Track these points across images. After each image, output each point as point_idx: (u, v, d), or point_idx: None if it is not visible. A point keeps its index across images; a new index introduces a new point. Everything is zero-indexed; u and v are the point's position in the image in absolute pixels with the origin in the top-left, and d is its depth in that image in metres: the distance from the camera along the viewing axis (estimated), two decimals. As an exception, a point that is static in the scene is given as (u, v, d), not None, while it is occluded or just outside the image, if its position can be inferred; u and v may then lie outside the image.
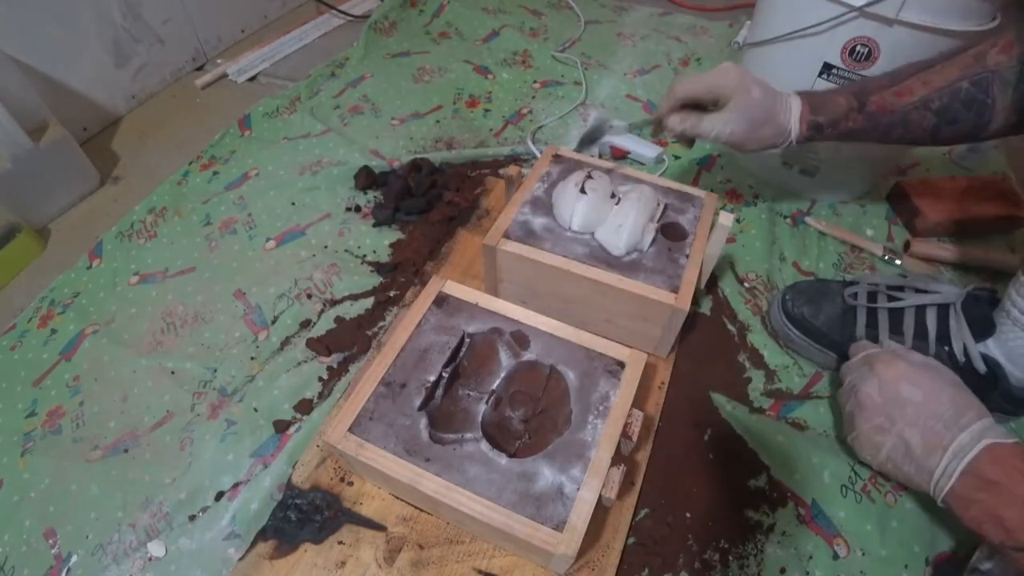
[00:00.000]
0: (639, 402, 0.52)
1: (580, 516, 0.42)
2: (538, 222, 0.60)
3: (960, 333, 0.55)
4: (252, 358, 0.65)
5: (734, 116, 0.57)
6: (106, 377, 0.63)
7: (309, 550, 0.50)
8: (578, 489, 0.43)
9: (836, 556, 0.51)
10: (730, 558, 0.51)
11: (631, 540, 0.51)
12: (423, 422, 0.47)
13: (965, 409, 0.44)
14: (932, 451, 0.42)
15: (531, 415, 0.51)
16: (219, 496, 0.54)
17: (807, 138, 0.59)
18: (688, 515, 0.53)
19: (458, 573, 0.48)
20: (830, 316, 0.61)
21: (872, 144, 0.62)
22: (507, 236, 0.59)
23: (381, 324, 0.68)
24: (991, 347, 0.54)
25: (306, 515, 0.52)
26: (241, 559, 0.50)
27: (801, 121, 0.58)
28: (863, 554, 0.51)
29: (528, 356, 0.52)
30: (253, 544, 0.51)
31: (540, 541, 0.41)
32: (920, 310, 0.58)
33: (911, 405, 0.44)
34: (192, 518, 0.53)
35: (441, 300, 0.56)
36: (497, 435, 0.49)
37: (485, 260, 0.60)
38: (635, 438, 0.48)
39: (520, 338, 0.53)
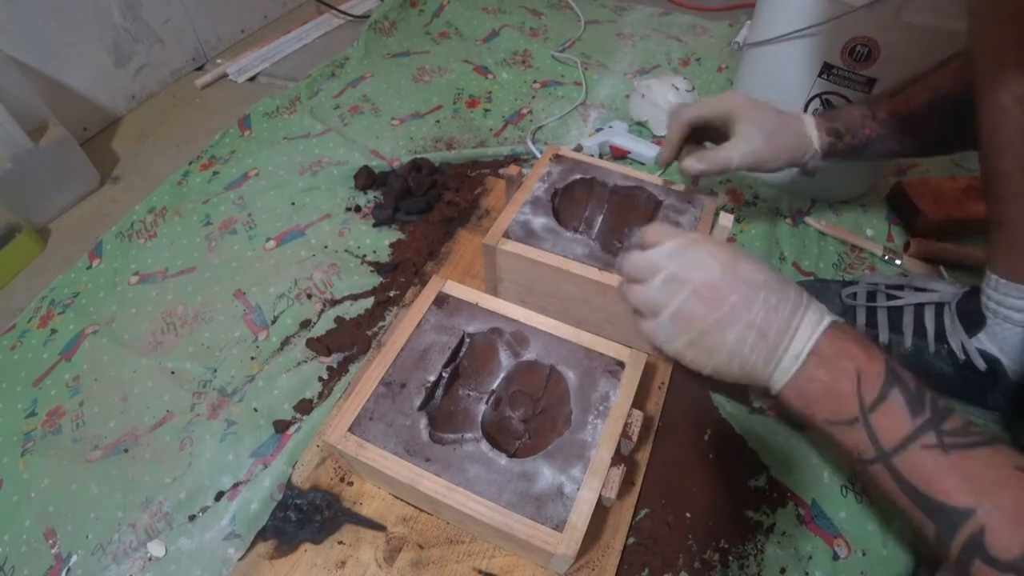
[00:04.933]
0: (639, 402, 0.52)
1: (580, 516, 0.42)
2: (538, 222, 0.60)
3: (956, 331, 0.56)
4: (252, 358, 0.65)
5: (749, 133, 0.56)
6: (106, 377, 0.63)
7: (309, 550, 0.50)
8: (578, 489, 0.43)
9: (836, 556, 0.51)
10: (730, 558, 0.51)
11: (631, 540, 0.51)
12: (423, 422, 0.47)
13: (797, 288, 0.39)
14: (783, 334, 0.37)
15: (531, 415, 0.51)
16: (219, 496, 0.54)
17: (829, 146, 0.59)
18: (688, 515, 0.53)
19: (458, 573, 0.48)
20: (830, 316, 0.61)
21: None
22: (507, 236, 0.59)
23: (381, 324, 0.68)
24: (984, 341, 0.54)
25: (306, 515, 0.52)
26: (241, 559, 0.50)
27: (819, 128, 0.58)
28: (864, 554, 0.51)
29: (528, 356, 0.52)
30: (253, 544, 0.51)
31: (540, 541, 0.41)
32: (919, 308, 0.59)
33: (760, 287, 0.37)
34: (192, 518, 0.53)
35: (441, 300, 0.56)
36: (497, 435, 0.49)
37: (485, 260, 0.60)
38: (635, 438, 0.48)
39: (520, 338, 0.53)
